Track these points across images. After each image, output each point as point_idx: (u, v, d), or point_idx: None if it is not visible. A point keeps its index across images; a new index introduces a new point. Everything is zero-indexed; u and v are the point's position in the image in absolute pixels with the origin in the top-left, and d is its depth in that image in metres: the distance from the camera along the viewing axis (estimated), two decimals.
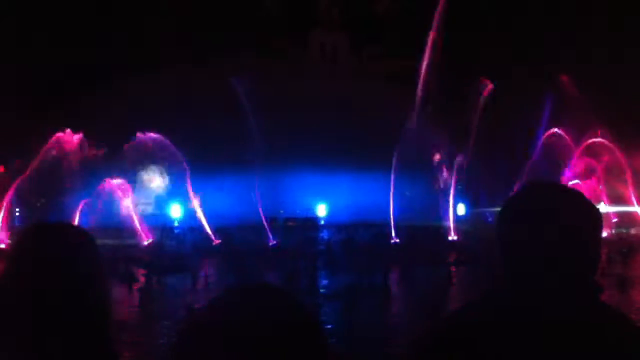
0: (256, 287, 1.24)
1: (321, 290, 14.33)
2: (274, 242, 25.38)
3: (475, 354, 1.48)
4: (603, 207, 33.52)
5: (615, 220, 31.78)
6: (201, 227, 26.97)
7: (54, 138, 30.83)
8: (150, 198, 35.77)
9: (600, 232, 1.56)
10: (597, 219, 1.54)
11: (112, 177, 29.39)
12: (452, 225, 27.27)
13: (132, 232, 26.35)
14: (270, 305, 1.17)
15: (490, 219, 27.91)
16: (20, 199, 32.81)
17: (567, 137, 34.33)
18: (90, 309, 1.66)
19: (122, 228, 27.00)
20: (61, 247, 1.70)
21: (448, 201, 29.55)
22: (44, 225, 1.81)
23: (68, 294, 1.63)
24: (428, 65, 37.67)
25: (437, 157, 36.42)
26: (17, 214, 31.77)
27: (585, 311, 1.50)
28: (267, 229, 26.13)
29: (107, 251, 18.95)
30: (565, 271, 1.49)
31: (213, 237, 25.88)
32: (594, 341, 1.46)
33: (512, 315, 1.49)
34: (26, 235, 1.75)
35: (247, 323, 1.13)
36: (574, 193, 1.56)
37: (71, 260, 1.68)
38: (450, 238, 26.27)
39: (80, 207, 28.36)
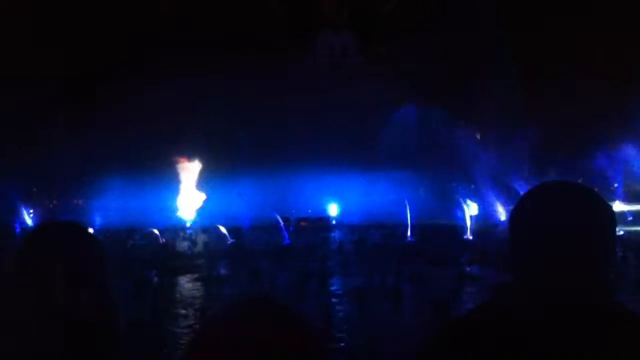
0: (254, 302, 1.28)
1: (332, 291, 14.31)
2: (287, 242, 25.39)
3: (483, 355, 1.46)
4: (618, 206, 33.31)
5: (630, 218, 31.55)
6: (213, 227, 27.06)
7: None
8: None
9: (614, 230, 1.52)
10: (611, 217, 1.51)
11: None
12: (468, 224, 27.10)
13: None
14: (267, 321, 1.22)
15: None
16: (33, 201, 33.24)
17: None
18: (93, 308, 1.66)
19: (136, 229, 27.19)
20: (59, 246, 1.70)
21: (462, 200, 29.40)
22: (45, 225, 1.81)
23: (67, 291, 1.63)
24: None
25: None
26: (31, 215, 32.15)
27: (599, 311, 1.46)
28: (283, 229, 26.14)
29: (120, 252, 19.14)
30: (578, 271, 1.46)
31: (226, 237, 25.95)
32: (608, 341, 1.42)
33: (522, 316, 1.46)
34: (29, 235, 1.76)
35: (244, 339, 1.19)
36: (587, 191, 1.53)
37: (70, 258, 1.68)
38: (464, 237, 26.13)
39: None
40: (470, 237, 26.00)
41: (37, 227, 1.83)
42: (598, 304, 1.47)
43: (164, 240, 25.38)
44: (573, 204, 1.48)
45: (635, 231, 26.89)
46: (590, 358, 1.40)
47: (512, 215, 1.56)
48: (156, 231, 25.47)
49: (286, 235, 25.72)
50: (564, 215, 1.46)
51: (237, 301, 1.30)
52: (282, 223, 26.57)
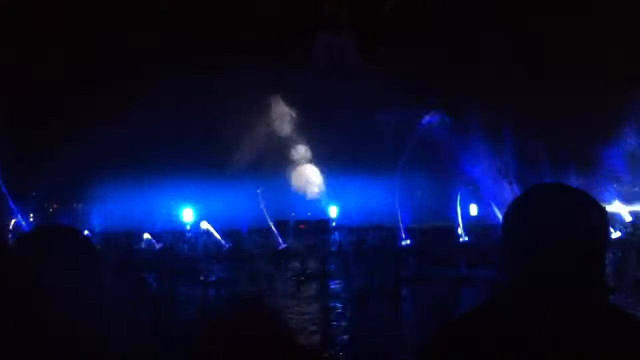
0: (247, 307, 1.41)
1: (332, 293, 14.30)
2: (284, 245, 25.35)
3: (482, 356, 1.47)
4: (617, 206, 33.24)
5: (630, 220, 31.48)
6: (210, 232, 27.04)
7: None
8: None
9: (607, 231, 1.53)
10: (603, 218, 1.51)
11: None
12: (466, 226, 27.05)
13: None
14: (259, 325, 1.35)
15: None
16: (33, 205, 33.19)
17: None
18: (91, 311, 1.66)
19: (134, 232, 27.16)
20: (55, 249, 1.70)
21: (460, 202, 29.36)
22: (40, 228, 1.82)
23: (64, 293, 1.63)
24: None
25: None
26: (31, 219, 32.09)
27: (595, 311, 1.47)
28: (277, 234, 26.09)
29: (119, 255, 19.10)
30: (571, 271, 1.47)
31: (224, 241, 25.93)
32: (605, 342, 1.43)
33: (520, 316, 1.47)
34: (23, 238, 1.77)
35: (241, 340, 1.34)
36: (579, 192, 1.54)
37: (66, 261, 1.69)
38: (461, 239, 26.07)
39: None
40: (466, 239, 25.97)
41: (32, 231, 1.83)
42: (594, 304, 1.47)
43: (160, 244, 25.37)
44: (565, 206, 1.49)
45: (635, 231, 26.88)
46: (588, 358, 1.41)
47: (505, 217, 1.57)
48: (148, 236, 25.44)
49: (281, 240, 25.66)
50: (556, 217, 1.47)
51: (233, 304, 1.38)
52: (274, 228, 26.53)
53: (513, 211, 1.57)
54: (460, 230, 26.42)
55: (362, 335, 9.76)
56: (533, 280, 1.49)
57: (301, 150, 38.80)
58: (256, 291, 13.08)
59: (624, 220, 30.71)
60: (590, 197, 1.54)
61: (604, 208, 1.54)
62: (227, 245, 25.27)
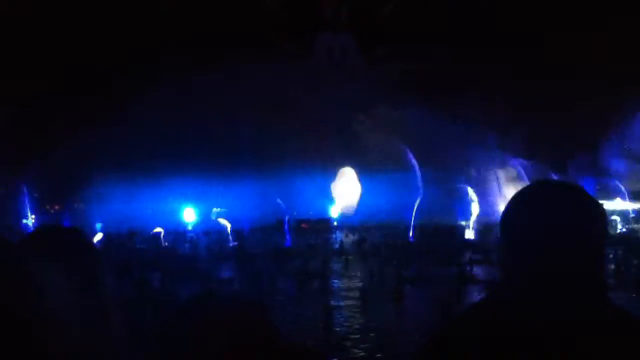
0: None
1: (333, 292, 14.30)
2: (289, 244, 25.35)
3: (481, 355, 1.46)
4: (621, 204, 33.24)
5: (633, 216, 31.52)
6: (215, 230, 27.02)
7: None
8: None
9: (604, 229, 1.53)
10: (600, 215, 1.51)
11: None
12: (470, 224, 27.01)
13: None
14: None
15: None
16: (35, 206, 33.25)
17: None
18: (92, 312, 1.66)
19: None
20: (56, 249, 1.70)
21: (463, 200, 29.37)
22: (41, 229, 1.82)
23: (64, 295, 1.63)
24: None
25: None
26: (33, 220, 32.13)
27: (592, 311, 1.47)
28: (286, 231, 26.09)
29: (122, 255, 19.12)
30: (570, 270, 1.47)
31: (229, 240, 25.92)
32: (604, 341, 1.43)
33: (516, 316, 1.46)
34: (24, 239, 1.77)
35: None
36: (577, 190, 1.53)
37: (66, 262, 1.69)
38: (465, 237, 26.06)
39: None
40: (472, 237, 25.93)
41: (33, 232, 1.83)
42: (594, 303, 1.47)
43: (166, 242, 25.37)
44: (562, 203, 1.48)
45: (638, 228, 26.89)
46: (588, 357, 1.41)
47: (503, 216, 1.57)
48: (160, 229, 25.43)
49: (288, 237, 25.68)
50: (554, 214, 1.47)
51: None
52: (286, 224, 26.52)
53: (511, 209, 1.57)
54: (470, 228, 26.42)
55: (363, 335, 9.76)
56: (532, 279, 1.48)
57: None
58: (256, 292, 13.08)
59: (629, 217, 30.80)
60: (587, 193, 1.53)
61: (601, 205, 1.54)
62: (232, 244, 25.26)
